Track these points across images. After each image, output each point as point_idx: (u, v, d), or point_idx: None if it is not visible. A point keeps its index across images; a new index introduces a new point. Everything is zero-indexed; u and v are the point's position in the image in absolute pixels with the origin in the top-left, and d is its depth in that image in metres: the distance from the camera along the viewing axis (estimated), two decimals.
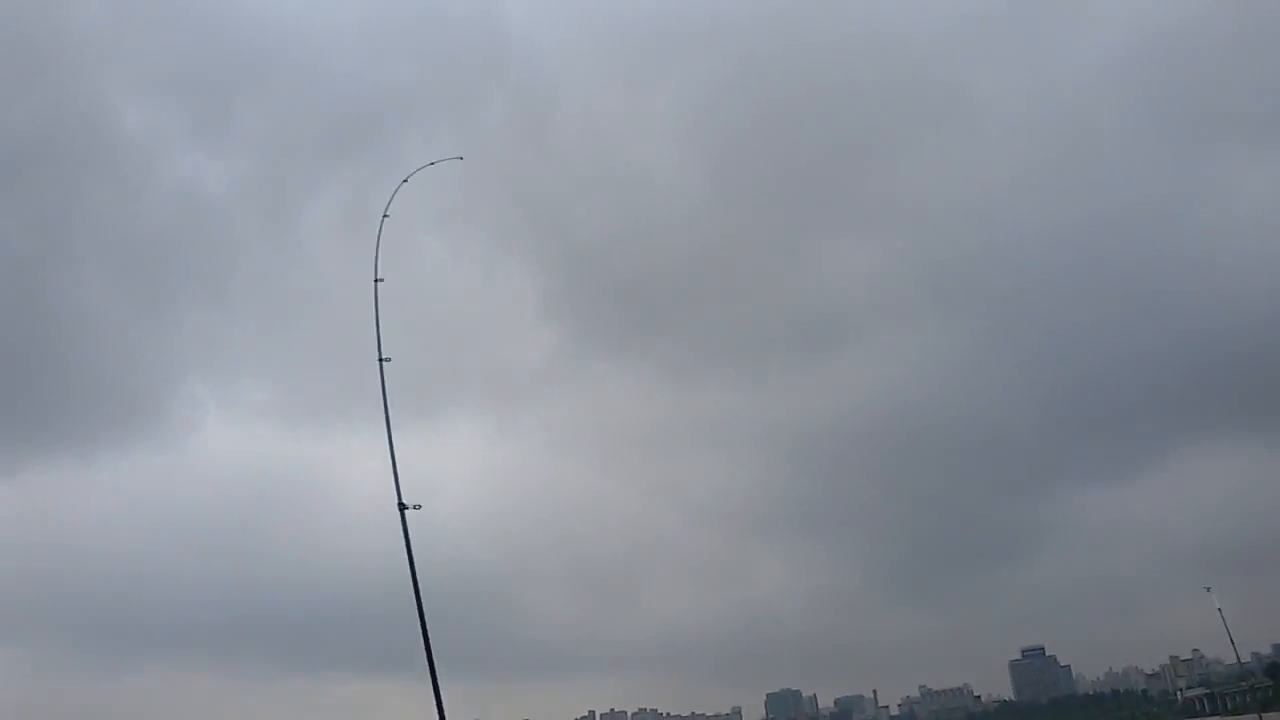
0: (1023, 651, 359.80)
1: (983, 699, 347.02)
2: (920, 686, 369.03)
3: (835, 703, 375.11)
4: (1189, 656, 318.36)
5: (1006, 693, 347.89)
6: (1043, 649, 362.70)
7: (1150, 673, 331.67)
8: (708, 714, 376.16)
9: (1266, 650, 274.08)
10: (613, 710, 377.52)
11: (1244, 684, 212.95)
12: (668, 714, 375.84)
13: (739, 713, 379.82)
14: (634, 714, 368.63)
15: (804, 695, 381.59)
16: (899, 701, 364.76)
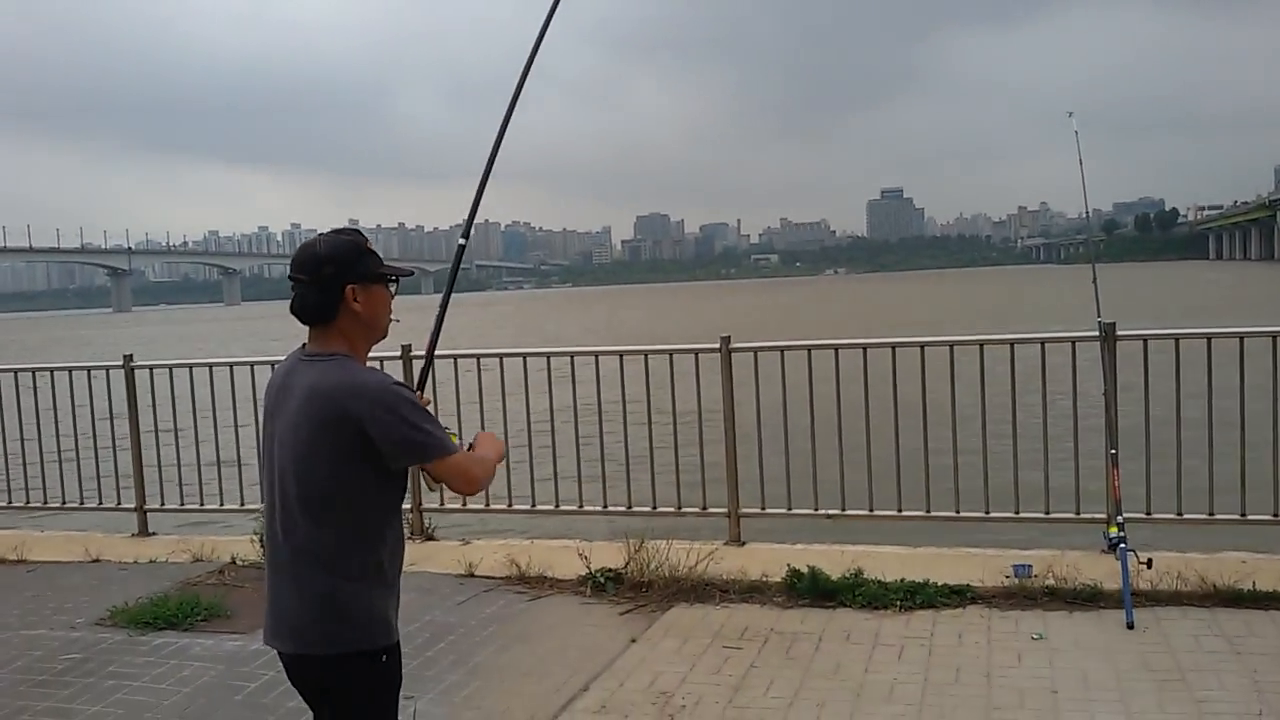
0: (882, 192, 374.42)
1: (838, 234, 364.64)
2: (781, 219, 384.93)
3: (700, 229, 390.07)
4: (1036, 208, 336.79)
5: (861, 229, 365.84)
6: (901, 191, 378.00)
7: (997, 220, 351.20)
8: (579, 230, 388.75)
9: (1107, 208, 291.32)
10: (486, 221, 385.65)
11: (1080, 237, 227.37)
12: (540, 227, 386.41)
13: (609, 231, 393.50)
14: (507, 225, 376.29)
15: (671, 220, 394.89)
16: (760, 231, 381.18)
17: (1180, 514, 6.02)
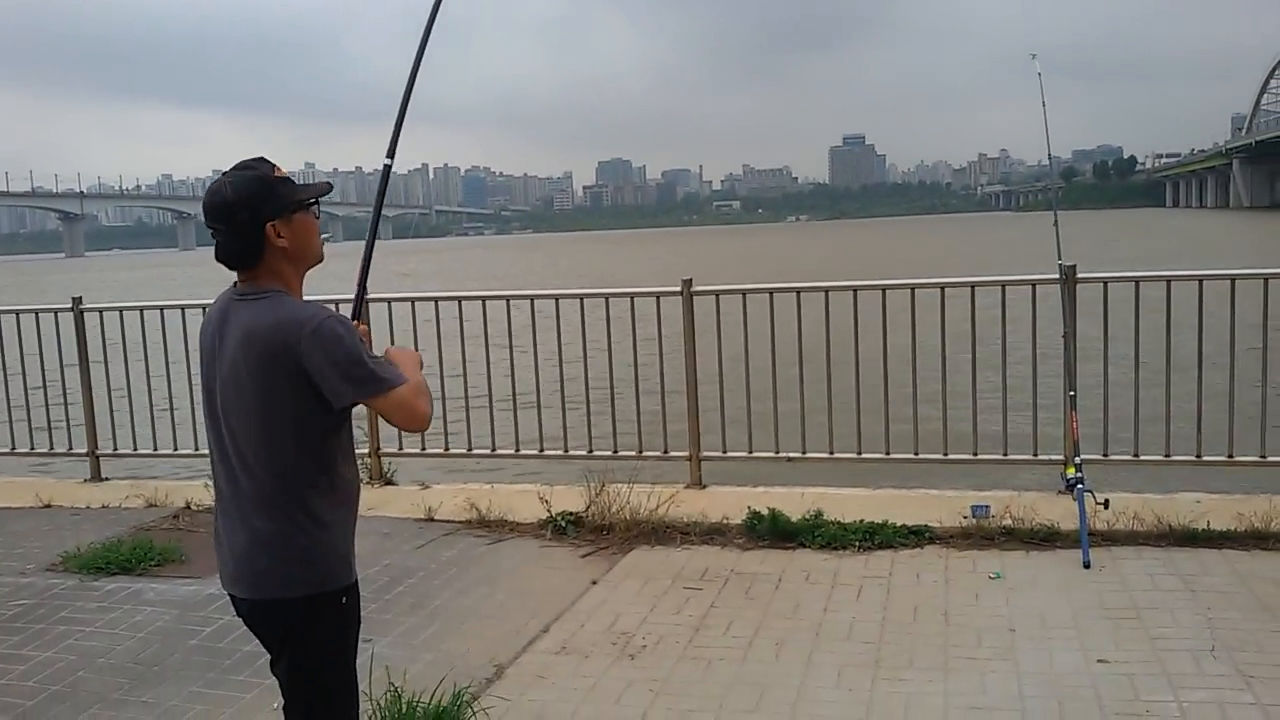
0: (843, 138, 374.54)
1: (800, 180, 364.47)
2: (744, 165, 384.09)
3: (663, 174, 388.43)
4: (996, 155, 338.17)
5: (823, 176, 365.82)
6: (863, 138, 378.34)
7: (958, 167, 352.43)
8: (540, 176, 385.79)
9: (1067, 155, 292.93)
10: (446, 165, 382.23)
11: (1039, 184, 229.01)
12: (501, 172, 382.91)
13: (570, 176, 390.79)
14: (467, 170, 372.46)
15: (634, 165, 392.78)
16: (723, 178, 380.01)
17: (1137, 455, 6.08)
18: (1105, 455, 6.07)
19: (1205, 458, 5.96)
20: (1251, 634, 4.23)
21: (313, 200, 2.71)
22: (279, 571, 2.64)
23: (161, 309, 7.73)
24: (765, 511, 5.74)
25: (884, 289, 6.47)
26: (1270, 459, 5.88)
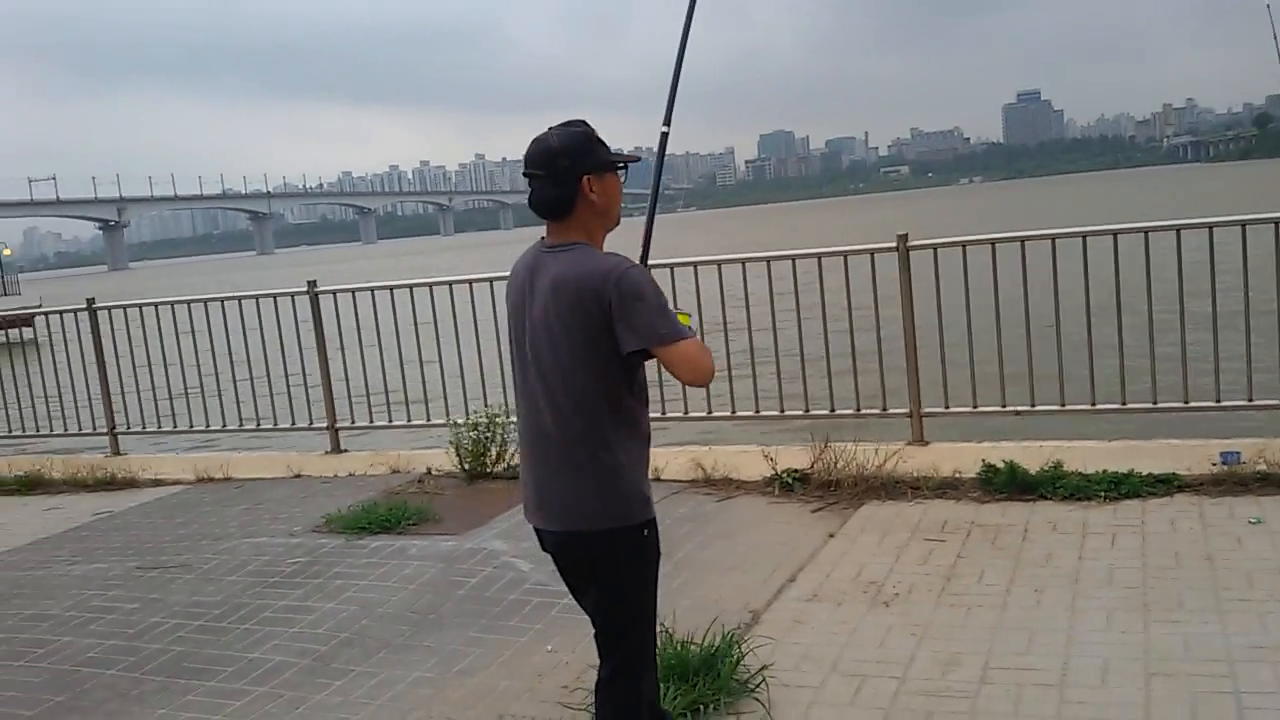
0: (1018, 95, 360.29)
1: (972, 141, 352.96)
2: (911, 129, 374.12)
3: (826, 144, 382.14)
4: (1182, 105, 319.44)
5: (996, 135, 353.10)
6: (1038, 93, 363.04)
7: (1141, 119, 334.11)
8: (701, 153, 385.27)
9: (1259, 101, 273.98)
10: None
11: (1230, 133, 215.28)
12: None
13: (732, 152, 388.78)
14: (629, 151, 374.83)
15: (796, 136, 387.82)
16: (889, 143, 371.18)
17: None
18: None
19: None
20: None
21: (623, 165, 2.89)
22: (586, 505, 2.81)
23: (391, 289, 8.15)
24: (1001, 464, 5.68)
25: (1115, 234, 6.25)
26: None
